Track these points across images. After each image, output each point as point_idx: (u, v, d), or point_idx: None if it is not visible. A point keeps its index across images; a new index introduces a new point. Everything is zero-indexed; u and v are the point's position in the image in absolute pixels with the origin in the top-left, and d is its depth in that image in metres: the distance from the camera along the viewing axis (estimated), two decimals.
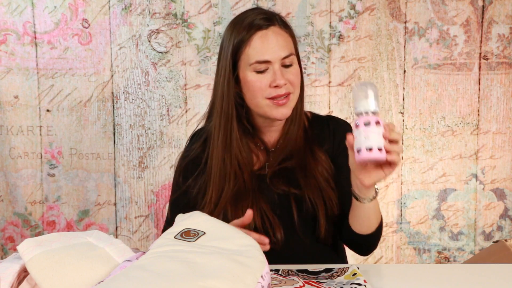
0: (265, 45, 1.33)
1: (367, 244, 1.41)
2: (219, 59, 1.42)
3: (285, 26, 1.39)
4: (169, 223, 1.48)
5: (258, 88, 1.34)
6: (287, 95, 1.35)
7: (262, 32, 1.34)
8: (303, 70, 2.36)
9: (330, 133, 1.48)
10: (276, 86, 1.34)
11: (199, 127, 1.55)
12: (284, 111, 1.37)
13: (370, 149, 1.11)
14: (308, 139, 1.45)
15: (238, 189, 1.40)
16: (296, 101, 1.40)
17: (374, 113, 1.12)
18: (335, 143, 1.46)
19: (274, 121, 1.42)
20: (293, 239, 1.39)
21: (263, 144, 1.45)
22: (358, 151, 1.13)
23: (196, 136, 1.53)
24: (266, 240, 1.24)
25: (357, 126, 1.13)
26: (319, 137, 1.47)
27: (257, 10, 1.41)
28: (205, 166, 1.45)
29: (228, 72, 1.37)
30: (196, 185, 1.45)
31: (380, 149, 1.12)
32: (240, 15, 1.41)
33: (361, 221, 1.33)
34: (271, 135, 1.46)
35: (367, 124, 1.12)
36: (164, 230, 1.50)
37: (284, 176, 1.42)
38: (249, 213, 1.25)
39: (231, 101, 1.38)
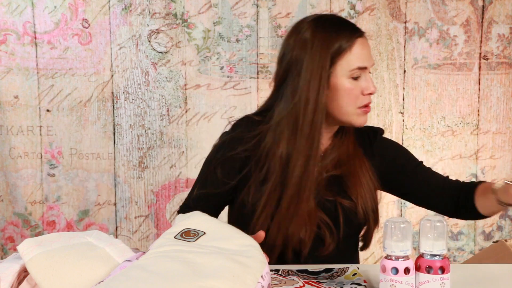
0: (365, 52, 1.34)
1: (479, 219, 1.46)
2: (299, 60, 1.33)
3: None
4: (189, 207, 1.44)
5: (354, 96, 1.33)
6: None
7: (361, 39, 1.34)
8: None
9: (373, 148, 1.46)
10: (369, 94, 1.35)
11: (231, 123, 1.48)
12: (366, 119, 1.38)
13: None
14: (357, 149, 1.44)
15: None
16: None
17: None
18: (382, 158, 1.45)
19: (335, 127, 1.41)
20: (335, 247, 1.39)
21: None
22: None
23: (245, 125, 1.43)
24: (262, 233, 1.23)
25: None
26: (362, 149, 1.45)
27: (342, 18, 1.40)
28: (255, 168, 1.38)
29: (325, 77, 1.31)
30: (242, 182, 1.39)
31: None
32: (325, 19, 1.38)
33: (491, 212, 1.37)
34: (324, 142, 1.43)
35: None
36: (180, 211, 1.47)
37: (332, 183, 1.40)
38: (261, 235, 1.22)
39: (323, 108, 1.32)
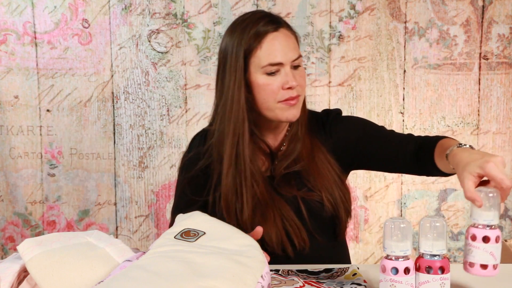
0: (277, 47, 1.33)
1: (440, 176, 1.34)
2: (223, 63, 1.38)
3: (291, 29, 1.39)
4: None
5: (270, 91, 1.33)
6: (297, 97, 1.35)
7: (273, 34, 1.33)
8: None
9: (327, 132, 1.46)
10: (289, 88, 1.33)
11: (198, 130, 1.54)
12: (295, 112, 1.36)
13: (485, 266, 1.06)
14: (313, 140, 1.44)
15: (256, 198, 1.37)
16: (302, 103, 1.40)
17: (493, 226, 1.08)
18: (337, 137, 1.44)
19: (281, 124, 1.41)
20: (312, 243, 1.38)
21: (267, 147, 1.43)
22: (470, 264, 1.06)
23: (199, 139, 1.49)
24: (260, 229, 1.21)
25: (473, 238, 1.07)
26: (318, 137, 1.45)
27: (261, 13, 1.40)
28: (209, 177, 1.41)
29: (240, 75, 1.34)
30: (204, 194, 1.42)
31: (494, 266, 1.07)
32: (244, 17, 1.39)
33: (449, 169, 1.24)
34: (275, 138, 1.45)
35: (484, 240, 1.07)
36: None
37: (292, 180, 1.40)
38: (259, 230, 1.20)
39: (242, 106, 1.34)
